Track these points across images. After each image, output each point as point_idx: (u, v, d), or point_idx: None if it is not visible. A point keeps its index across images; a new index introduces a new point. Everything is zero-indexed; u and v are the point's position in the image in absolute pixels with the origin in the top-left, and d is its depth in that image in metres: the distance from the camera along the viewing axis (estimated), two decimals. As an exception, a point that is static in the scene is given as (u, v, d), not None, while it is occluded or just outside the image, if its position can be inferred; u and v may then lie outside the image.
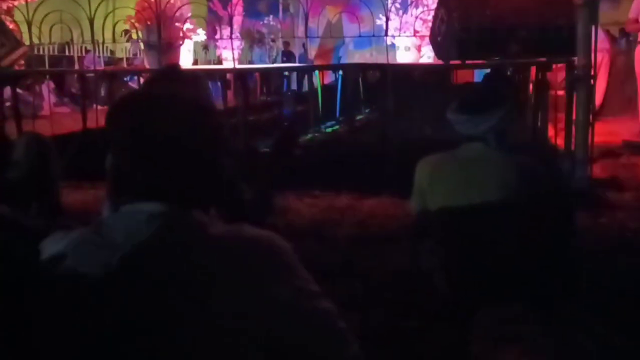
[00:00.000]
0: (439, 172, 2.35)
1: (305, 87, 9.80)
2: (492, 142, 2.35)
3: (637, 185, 4.19)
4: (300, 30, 11.19)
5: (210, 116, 1.04)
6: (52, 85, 8.81)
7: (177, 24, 4.69)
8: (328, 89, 8.72)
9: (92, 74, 5.13)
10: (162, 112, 0.96)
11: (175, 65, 2.59)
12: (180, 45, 4.86)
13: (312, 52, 11.48)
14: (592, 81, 3.75)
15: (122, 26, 5.12)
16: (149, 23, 4.57)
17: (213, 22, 8.41)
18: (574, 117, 3.94)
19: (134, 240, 0.87)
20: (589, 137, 3.83)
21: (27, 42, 5.34)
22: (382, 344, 2.14)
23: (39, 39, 5.59)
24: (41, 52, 5.64)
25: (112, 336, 0.84)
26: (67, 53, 6.42)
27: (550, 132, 4.89)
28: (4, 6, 6.00)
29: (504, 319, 1.70)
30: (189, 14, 5.08)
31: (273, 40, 11.04)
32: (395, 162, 4.14)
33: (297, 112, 7.35)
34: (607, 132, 5.82)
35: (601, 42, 5.85)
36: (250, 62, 10.74)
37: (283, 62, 11.26)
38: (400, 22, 5.94)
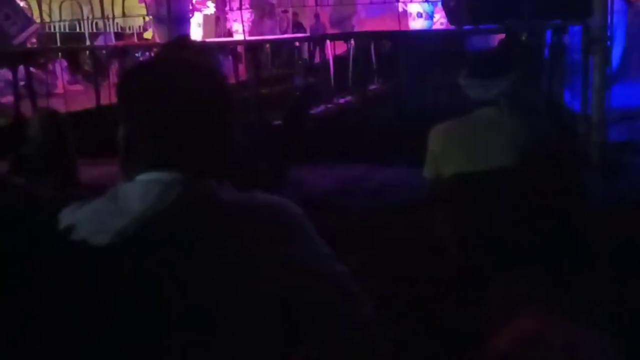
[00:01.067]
0: (451, 138, 2.33)
1: (317, 58, 9.76)
2: (504, 107, 2.33)
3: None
4: (310, 0, 11.08)
5: (221, 83, 1.04)
6: (65, 63, 8.85)
7: (186, -4, 4.66)
8: (340, 60, 8.64)
9: (103, 51, 5.13)
10: (172, 80, 0.97)
11: (186, 36, 2.59)
12: (190, 17, 4.84)
13: (325, 23, 11.37)
14: (608, 43, 3.67)
15: (132, 2, 5.10)
16: (158, -4, 4.55)
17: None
18: (590, 80, 3.88)
19: (151, 207, 0.88)
20: (605, 100, 3.78)
21: (38, 20, 5.35)
22: (396, 310, 2.16)
23: (50, 16, 5.60)
24: (52, 30, 5.65)
25: (129, 301, 0.86)
26: (78, 30, 6.43)
27: (567, 96, 4.83)
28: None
29: (518, 281, 1.71)
30: (198, -14, 5.04)
31: (285, 12, 10.91)
32: (409, 132, 4.12)
33: (308, 83, 7.29)
34: (625, 95, 5.72)
35: (617, 2, 5.72)
36: (262, 34, 10.65)
37: (293, 33, 11.14)
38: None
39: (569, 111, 4.69)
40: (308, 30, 10.95)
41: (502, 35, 4.87)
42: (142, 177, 0.92)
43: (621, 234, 2.68)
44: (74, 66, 8.38)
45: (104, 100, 6.00)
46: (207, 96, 0.97)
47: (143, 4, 4.90)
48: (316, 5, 7.77)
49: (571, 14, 4.02)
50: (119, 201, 0.91)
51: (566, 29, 4.40)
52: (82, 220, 0.90)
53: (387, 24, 10.56)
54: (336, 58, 8.68)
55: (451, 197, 2.35)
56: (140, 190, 0.91)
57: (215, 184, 0.94)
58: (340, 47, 8.81)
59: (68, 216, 0.92)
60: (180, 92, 0.95)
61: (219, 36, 8.80)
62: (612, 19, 3.83)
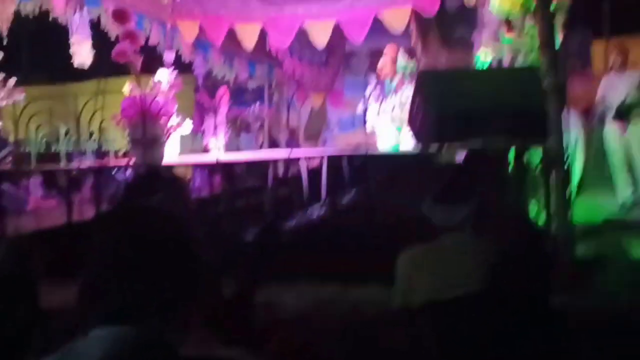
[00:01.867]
0: (418, 265, 2.36)
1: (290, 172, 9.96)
2: (469, 231, 2.38)
3: (620, 267, 4.19)
4: (285, 116, 11.53)
5: (187, 235, 1.05)
6: (39, 179, 8.87)
7: (162, 119, 4.80)
8: (314, 171, 8.86)
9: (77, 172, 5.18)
10: (137, 234, 0.97)
11: (156, 170, 2.64)
12: (166, 140, 4.96)
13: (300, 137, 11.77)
14: (566, 164, 3.84)
15: (108, 123, 5.24)
16: (134, 119, 4.68)
17: (200, 112, 8.64)
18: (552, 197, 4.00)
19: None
20: (569, 217, 3.88)
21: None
22: None
23: (26, 135, 5.70)
24: (27, 150, 5.73)
25: None
26: (53, 149, 6.54)
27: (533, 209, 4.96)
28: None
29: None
30: (175, 109, 5.21)
31: (261, 126, 11.29)
32: (382, 248, 4.14)
33: (281, 197, 7.41)
34: (590, 208, 5.90)
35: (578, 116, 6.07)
36: (239, 148, 10.91)
37: (269, 147, 11.47)
38: (380, 109, 6.14)
39: (535, 227, 4.79)
40: (283, 143, 11.33)
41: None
42: (96, 333, 0.90)
43: (589, 353, 2.66)
44: (49, 182, 8.41)
45: (76, 217, 6.00)
46: (172, 251, 0.97)
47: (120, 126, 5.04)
48: (288, 120, 8.06)
49: (531, 135, 4.22)
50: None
51: (527, 148, 4.60)
52: None
53: (358, 139, 10.99)
54: (309, 171, 8.92)
55: (419, 323, 2.33)
56: (92, 349, 0.89)
57: (175, 337, 0.93)
58: (315, 160, 9.07)
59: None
60: (142, 247, 0.95)
61: (195, 152, 9.00)
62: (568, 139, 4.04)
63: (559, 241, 3.75)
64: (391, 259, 2.44)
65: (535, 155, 4.89)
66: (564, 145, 3.86)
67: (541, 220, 4.23)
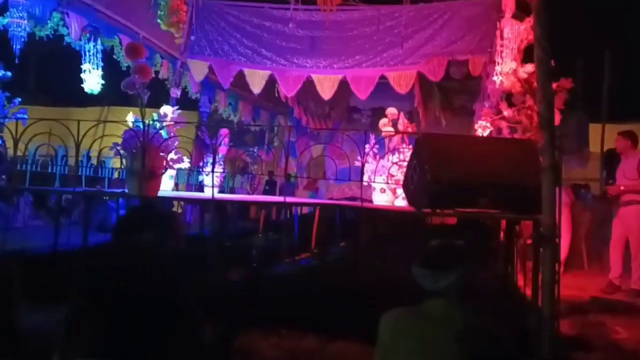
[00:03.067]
0: (400, 328, 2.34)
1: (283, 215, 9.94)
2: (454, 299, 2.37)
3: (604, 345, 4.18)
4: (283, 162, 11.61)
5: (173, 277, 1.06)
6: (29, 198, 8.84)
7: (162, 153, 4.84)
8: (306, 218, 8.86)
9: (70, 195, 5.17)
10: (124, 279, 0.98)
11: (150, 204, 2.64)
12: (162, 174, 4.98)
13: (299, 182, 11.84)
14: (557, 240, 3.86)
15: (108, 151, 5.27)
16: (134, 151, 4.71)
17: (200, 148, 8.71)
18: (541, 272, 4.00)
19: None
20: (555, 293, 3.87)
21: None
22: None
23: (24, 154, 5.72)
24: (24, 168, 5.74)
25: None
26: (49, 170, 6.55)
27: (520, 280, 4.96)
28: (-5, 122, 6.19)
29: None
30: (176, 144, 5.26)
31: (259, 170, 11.37)
32: (367, 304, 4.11)
33: (268, 243, 7.39)
34: (576, 286, 5.89)
35: (565, 196, 6.14)
36: (232, 189, 10.94)
37: (265, 190, 11.50)
38: (377, 166, 6.20)
39: (522, 296, 4.79)
40: (277, 186, 11.37)
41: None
42: None
43: None
44: (38, 203, 8.38)
45: (62, 241, 5.96)
46: (157, 297, 0.98)
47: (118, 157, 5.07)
48: (285, 166, 8.13)
49: (523, 208, 4.26)
50: None
51: (518, 221, 4.64)
52: None
53: (353, 191, 11.06)
54: (302, 217, 8.92)
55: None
56: None
57: None
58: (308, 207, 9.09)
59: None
60: (128, 291, 0.96)
61: (190, 188, 9.02)
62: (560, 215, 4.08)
63: (544, 316, 3.73)
64: (374, 317, 2.43)
65: (526, 228, 4.94)
66: (556, 220, 3.89)
67: (527, 293, 4.23)
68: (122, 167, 5.00)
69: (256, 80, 8.53)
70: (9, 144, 5.41)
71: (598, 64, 9.73)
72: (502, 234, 5.70)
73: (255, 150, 10.66)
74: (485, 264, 4.50)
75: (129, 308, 0.96)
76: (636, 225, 5.67)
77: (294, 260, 7.30)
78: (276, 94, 9.41)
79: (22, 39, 6.33)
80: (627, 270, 5.83)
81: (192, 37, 8.37)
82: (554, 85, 4.39)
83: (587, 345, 4.15)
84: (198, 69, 8.58)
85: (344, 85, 8.49)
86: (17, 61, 6.46)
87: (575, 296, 5.29)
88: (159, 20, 6.53)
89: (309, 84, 8.62)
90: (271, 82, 8.77)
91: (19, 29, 6.15)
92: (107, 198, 7.01)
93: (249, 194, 10.88)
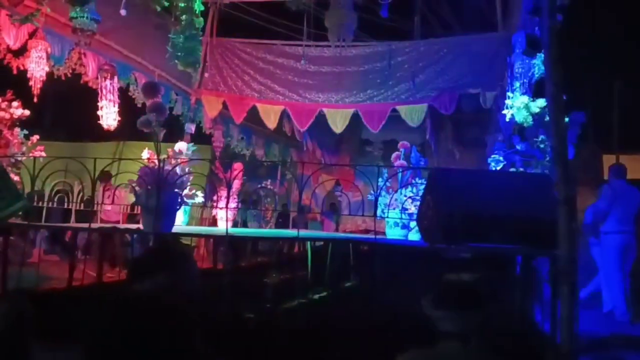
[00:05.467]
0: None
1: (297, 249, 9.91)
2: (471, 340, 2.32)
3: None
4: (295, 195, 11.64)
5: (187, 325, 1.07)
6: (45, 233, 8.91)
7: (176, 190, 4.88)
8: (318, 252, 8.81)
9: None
10: (138, 320, 0.99)
11: (174, 245, 2.65)
12: (177, 210, 5.01)
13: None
14: (575, 275, 3.81)
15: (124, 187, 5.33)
16: (149, 188, 4.76)
17: (213, 182, 8.75)
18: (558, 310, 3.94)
19: None
20: (574, 331, 3.80)
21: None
22: None
23: (42, 189, 5.80)
24: (40, 205, 5.81)
25: None
26: (65, 205, 6.65)
27: (539, 316, 4.88)
28: (12, 159, 6.29)
29: None
30: (190, 182, 5.30)
31: (272, 204, 11.39)
32: (381, 342, 4.06)
33: (280, 280, 7.36)
34: (598, 320, 5.80)
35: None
36: (245, 222, 10.96)
37: (279, 223, 11.50)
38: (390, 200, 6.19)
39: (540, 333, 4.71)
40: (290, 219, 11.39)
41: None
42: None
43: None
44: (53, 238, 8.44)
45: (77, 276, 5.99)
46: (165, 335, 0.99)
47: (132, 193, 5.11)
48: (300, 197, 8.12)
49: (539, 243, 4.22)
50: None
51: (535, 256, 4.59)
52: None
53: (366, 224, 11.03)
54: (314, 249, 8.88)
55: None
56: None
57: None
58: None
59: None
60: (145, 334, 0.96)
61: (204, 221, 9.05)
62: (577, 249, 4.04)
63: (563, 352, 3.66)
64: (388, 355, 2.39)
65: (543, 263, 4.88)
66: (573, 255, 3.85)
67: (546, 330, 4.15)
68: (139, 203, 5.04)
69: (269, 115, 8.64)
70: (26, 179, 5.50)
71: (609, 93, 9.76)
72: (518, 269, 5.64)
73: (268, 183, 10.71)
74: (501, 300, 4.44)
75: (141, 349, 0.96)
76: None
77: (306, 296, 7.24)
78: (283, 128, 9.51)
79: (41, 78, 6.48)
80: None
81: (206, 74, 8.51)
82: (566, 119, 4.39)
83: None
84: (212, 105, 8.71)
85: (355, 119, 8.57)
86: (35, 100, 6.60)
87: (594, 331, 5.19)
88: (176, 61, 6.67)
89: (320, 118, 8.70)
90: (283, 117, 8.87)
91: (38, 69, 6.30)
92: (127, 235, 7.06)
93: (261, 227, 10.88)
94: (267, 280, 7.20)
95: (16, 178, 6.05)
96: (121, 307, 1.04)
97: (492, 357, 2.24)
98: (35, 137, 7.01)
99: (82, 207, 6.30)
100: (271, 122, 8.70)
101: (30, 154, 6.30)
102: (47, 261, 7.85)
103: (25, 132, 6.90)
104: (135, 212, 6.62)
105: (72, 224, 6.27)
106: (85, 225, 5.43)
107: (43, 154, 6.46)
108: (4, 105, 6.78)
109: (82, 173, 5.43)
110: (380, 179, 6.05)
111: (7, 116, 6.71)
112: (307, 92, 8.61)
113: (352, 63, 8.49)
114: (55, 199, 6.45)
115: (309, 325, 5.15)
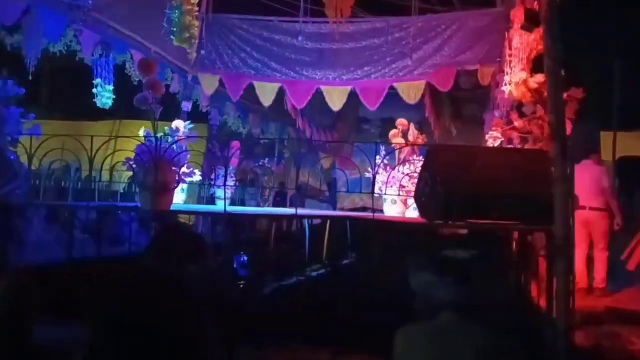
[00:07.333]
0: (416, 345, 2.33)
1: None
2: (467, 313, 2.36)
3: (620, 356, 4.14)
4: (293, 173, 11.63)
5: (196, 307, 1.07)
6: (44, 212, 8.91)
7: (174, 168, 4.88)
8: (316, 229, 8.84)
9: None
10: (145, 304, 0.99)
11: (175, 228, 2.64)
12: (175, 188, 5.02)
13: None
14: (571, 251, 3.84)
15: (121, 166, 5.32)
16: (146, 166, 4.76)
17: (211, 161, 8.73)
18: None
19: None
20: (570, 305, 3.85)
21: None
22: None
23: (39, 168, 5.79)
24: (37, 183, 5.81)
25: None
26: (63, 184, 6.63)
27: (535, 291, 4.93)
28: (9, 138, 6.25)
29: None
30: (187, 158, 5.30)
31: (269, 182, 11.38)
32: (379, 317, 4.11)
33: (281, 254, 7.40)
34: (593, 296, 5.87)
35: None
36: (243, 201, 10.96)
37: (276, 201, 11.51)
38: (388, 177, 6.20)
39: (536, 308, 4.76)
40: (288, 198, 11.39)
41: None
42: None
43: None
44: (52, 217, 8.44)
45: (76, 256, 6.01)
46: (177, 324, 0.99)
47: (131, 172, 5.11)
48: (297, 175, 8.12)
49: (536, 219, 4.25)
50: None
51: (531, 232, 4.62)
52: None
53: (364, 202, 11.05)
54: (312, 227, 8.91)
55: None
56: None
57: None
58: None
59: None
60: (149, 318, 0.97)
61: (202, 201, 9.06)
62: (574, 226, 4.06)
63: (558, 328, 3.71)
64: (386, 330, 2.42)
65: (539, 239, 4.91)
66: (570, 231, 3.88)
67: (542, 304, 4.21)
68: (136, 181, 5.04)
69: (266, 93, 8.58)
70: (24, 159, 5.49)
71: (609, 71, 9.70)
72: (515, 245, 5.68)
73: (266, 162, 10.69)
74: (497, 275, 4.48)
75: (148, 327, 0.97)
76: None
77: (305, 273, 7.30)
78: (285, 107, 9.46)
79: (36, 56, 6.41)
80: None
81: (202, 52, 8.43)
82: (565, 95, 4.38)
83: (602, 356, 4.12)
84: (209, 83, 8.64)
85: (353, 97, 8.52)
86: (30, 78, 6.54)
87: (590, 307, 5.25)
88: (172, 37, 6.59)
89: (315, 96, 8.65)
90: (280, 95, 8.81)
91: (33, 47, 6.22)
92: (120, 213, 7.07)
93: (259, 205, 10.90)
94: (265, 257, 7.25)
95: (13, 157, 6.03)
96: (130, 284, 1.04)
97: (489, 330, 2.27)
98: (31, 116, 6.97)
99: (79, 186, 6.32)
100: (268, 100, 8.65)
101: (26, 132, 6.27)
102: (46, 240, 7.87)
103: (22, 111, 6.86)
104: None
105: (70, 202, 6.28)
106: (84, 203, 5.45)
107: (40, 132, 6.41)
108: (-1, 83, 6.72)
109: (79, 152, 5.42)
110: (378, 157, 6.05)
111: (3, 95, 6.65)
112: (304, 69, 8.55)
113: (349, 39, 8.41)
114: (53, 178, 6.45)
115: (308, 302, 5.21)
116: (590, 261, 6.30)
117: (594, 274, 6.21)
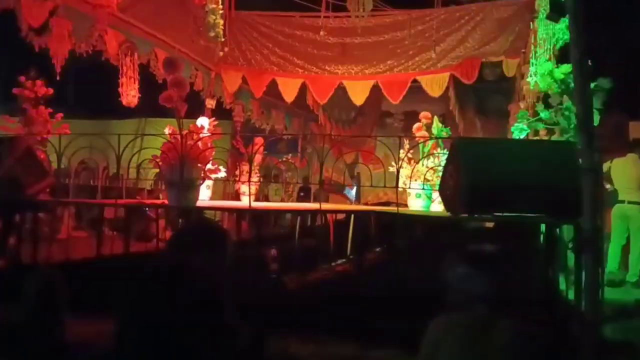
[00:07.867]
0: (448, 334, 2.34)
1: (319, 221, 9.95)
2: (496, 306, 2.35)
3: (651, 352, 4.07)
4: (317, 169, 11.65)
5: (220, 300, 1.09)
6: (73, 210, 9.08)
7: (199, 165, 4.93)
8: (341, 223, 8.85)
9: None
10: (172, 299, 1.01)
11: (204, 223, 2.66)
12: (200, 184, 5.07)
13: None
14: (600, 243, 3.78)
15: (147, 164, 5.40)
16: (172, 163, 4.82)
17: (235, 157, 8.80)
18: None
19: None
20: (599, 299, 3.79)
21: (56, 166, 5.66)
22: None
23: (67, 169, 5.91)
24: (66, 182, 5.93)
25: None
26: (91, 182, 6.76)
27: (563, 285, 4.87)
28: (38, 137, 6.39)
29: None
30: (212, 155, 5.35)
31: (293, 177, 11.43)
32: (404, 311, 4.10)
33: (307, 249, 7.42)
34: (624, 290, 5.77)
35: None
36: (267, 196, 11.02)
37: (300, 196, 11.56)
38: (412, 170, 6.18)
39: (564, 302, 4.70)
40: (312, 193, 11.41)
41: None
42: None
43: None
44: (81, 215, 8.61)
45: (105, 251, 6.12)
46: (202, 316, 1.01)
47: (157, 169, 5.18)
48: (321, 172, 8.12)
49: (563, 212, 4.19)
50: None
51: (559, 224, 4.56)
52: None
53: (388, 196, 11.01)
54: (337, 222, 8.91)
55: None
56: None
57: None
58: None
59: None
60: (172, 303, 0.99)
61: (227, 197, 9.14)
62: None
63: (588, 321, 3.65)
64: (411, 324, 2.42)
65: (568, 231, 4.85)
66: (598, 224, 3.81)
67: (571, 297, 4.15)
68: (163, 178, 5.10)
69: (289, 89, 8.61)
70: (52, 158, 5.61)
71: (637, 60, 9.49)
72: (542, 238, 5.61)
73: (289, 157, 10.74)
74: (525, 268, 4.44)
75: (172, 318, 0.99)
76: None
77: (330, 267, 7.31)
78: (307, 102, 9.47)
79: (63, 56, 6.52)
80: None
81: (226, 48, 8.49)
82: (592, 85, 4.30)
83: (632, 350, 4.05)
84: (232, 80, 8.71)
85: (375, 90, 8.49)
86: (57, 78, 6.66)
87: (620, 300, 5.16)
88: (199, 36, 6.65)
89: (336, 91, 8.65)
90: (302, 90, 8.83)
91: (60, 47, 6.33)
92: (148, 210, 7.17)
93: (283, 201, 10.94)
94: (290, 250, 7.28)
95: (42, 156, 6.16)
96: (154, 278, 1.07)
97: (518, 323, 2.27)
98: (59, 115, 7.11)
99: (107, 184, 6.42)
100: (290, 96, 8.67)
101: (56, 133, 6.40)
102: (75, 237, 8.02)
103: (50, 111, 7.00)
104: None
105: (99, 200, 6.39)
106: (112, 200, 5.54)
107: (67, 131, 6.54)
108: (28, 84, 6.87)
109: (107, 150, 5.51)
110: (401, 151, 6.03)
111: (32, 95, 6.80)
112: (326, 64, 8.55)
113: (371, 33, 8.38)
114: (81, 176, 6.58)
115: (333, 295, 5.21)
116: (625, 254, 6.23)
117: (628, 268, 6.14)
